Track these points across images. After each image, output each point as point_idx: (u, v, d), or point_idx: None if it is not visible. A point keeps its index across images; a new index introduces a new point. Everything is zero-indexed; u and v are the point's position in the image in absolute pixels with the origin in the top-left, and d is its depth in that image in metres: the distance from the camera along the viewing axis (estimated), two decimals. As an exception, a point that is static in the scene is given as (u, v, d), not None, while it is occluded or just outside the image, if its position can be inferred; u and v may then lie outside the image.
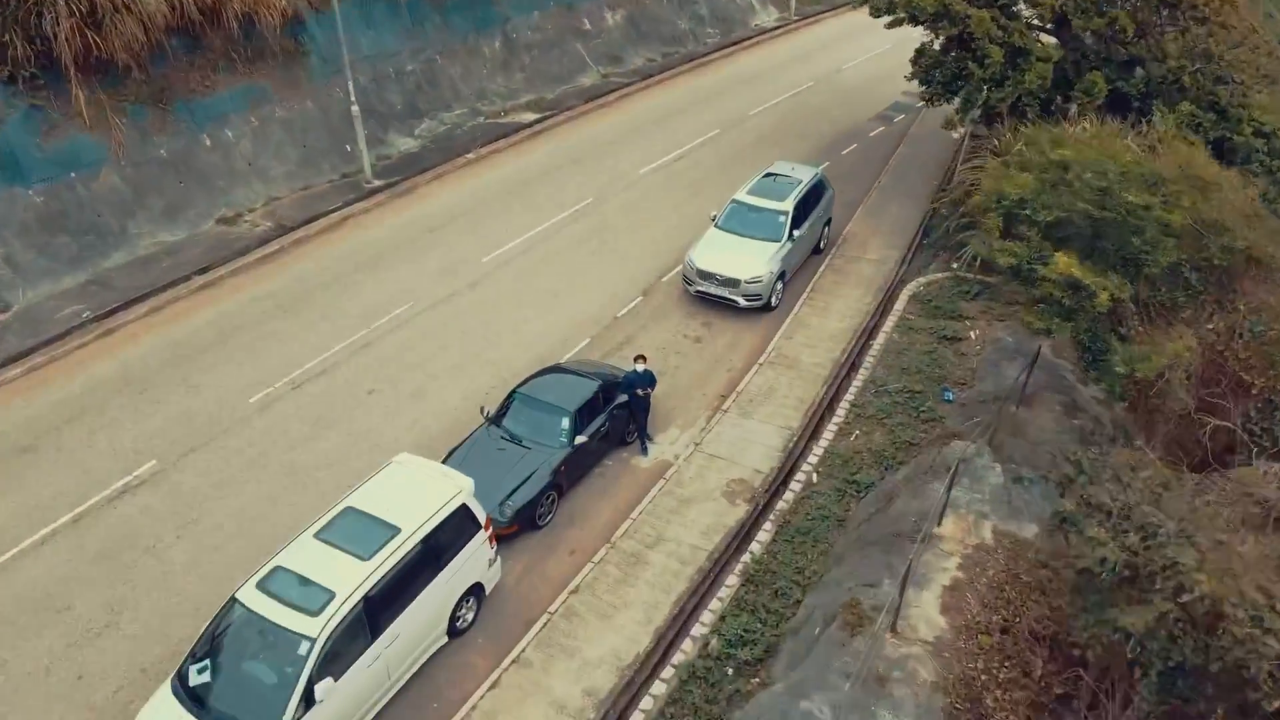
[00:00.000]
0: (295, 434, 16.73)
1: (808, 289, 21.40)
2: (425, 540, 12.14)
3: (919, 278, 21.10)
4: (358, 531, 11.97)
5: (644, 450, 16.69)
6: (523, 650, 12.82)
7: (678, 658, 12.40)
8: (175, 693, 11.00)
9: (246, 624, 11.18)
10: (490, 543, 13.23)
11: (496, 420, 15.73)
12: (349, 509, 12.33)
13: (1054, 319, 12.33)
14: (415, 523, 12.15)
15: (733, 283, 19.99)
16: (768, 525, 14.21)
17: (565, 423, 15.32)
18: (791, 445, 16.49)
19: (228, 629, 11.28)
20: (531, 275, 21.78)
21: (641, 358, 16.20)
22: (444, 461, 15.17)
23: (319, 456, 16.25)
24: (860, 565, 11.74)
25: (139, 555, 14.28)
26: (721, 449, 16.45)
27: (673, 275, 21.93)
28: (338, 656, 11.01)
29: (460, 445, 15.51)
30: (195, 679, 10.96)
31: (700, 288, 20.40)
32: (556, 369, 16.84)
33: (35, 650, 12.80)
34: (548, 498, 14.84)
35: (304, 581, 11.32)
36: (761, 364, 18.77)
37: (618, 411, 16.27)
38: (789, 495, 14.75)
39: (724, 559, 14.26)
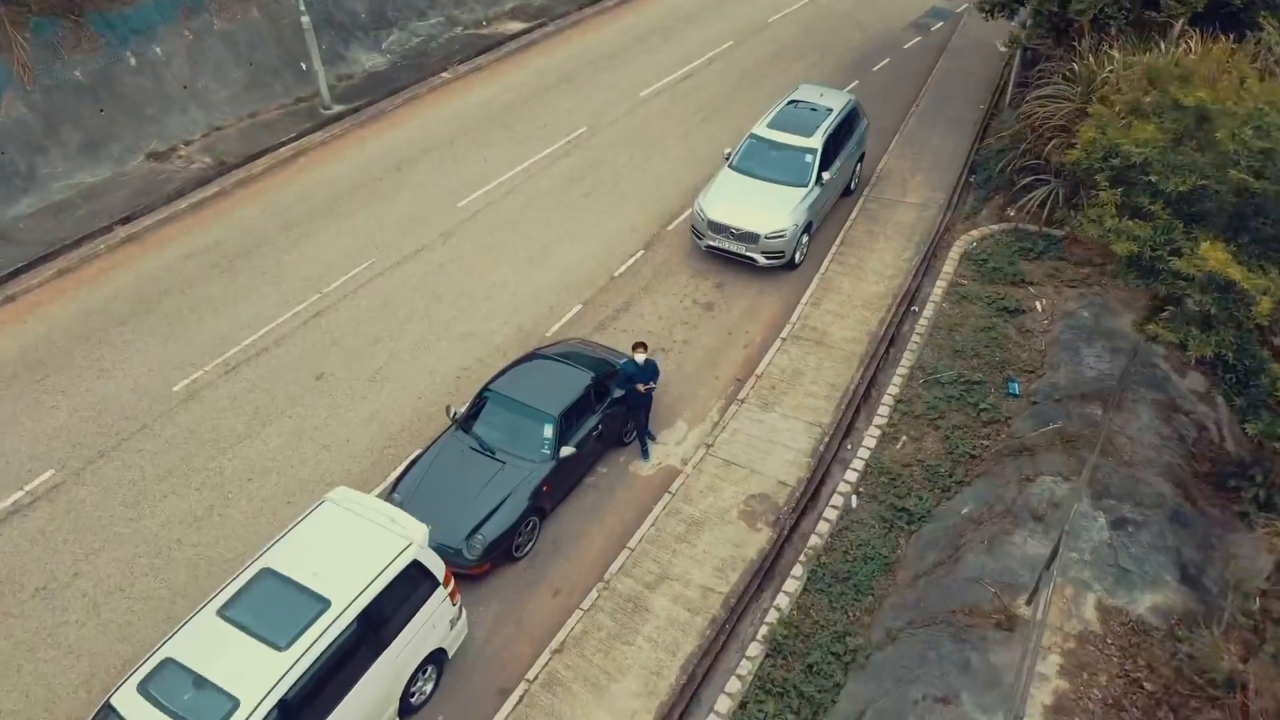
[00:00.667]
0: (227, 432, 13.92)
1: (837, 241, 18.24)
2: (365, 614, 9.44)
3: (971, 230, 17.90)
4: (274, 606, 9.26)
5: (644, 453, 13.90)
6: (493, 736, 10.29)
7: (687, 762, 9.87)
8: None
9: (125, 741, 8.57)
10: (453, 598, 10.56)
11: (465, 424, 12.88)
12: (265, 572, 9.60)
13: (1190, 330, 9.34)
14: (350, 591, 9.44)
15: (750, 237, 16.85)
16: (797, 569, 11.48)
17: (548, 430, 12.48)
18: (822, 448, 13.68)
19: (102, 745, 8.68)
20: (514, 224, 18.60)
21: (641, 345, 13.24)
22: (402, 477, 12.46)
23: (254, 463, 13.47)
24: (925, 656, 9.08)
25: (26, 599, 11.64)
26: (738, 452, 13.65)
27: (680, 223, 18.76)
28: (247, 779, 8.45)
29: (422, 455, 12.72)
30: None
31: (712, 242, 17.26)
32: (539, 355, 13.89)
33: (-113, 734, 10.32)
34: (527, 524, 12.12)
35: (200, 683, 8.67)
36: (784, 339, 15.79)
37: (614, 409, 13.42)
38: (823, 525, 11.98)
39: (743, 606, 11.61)
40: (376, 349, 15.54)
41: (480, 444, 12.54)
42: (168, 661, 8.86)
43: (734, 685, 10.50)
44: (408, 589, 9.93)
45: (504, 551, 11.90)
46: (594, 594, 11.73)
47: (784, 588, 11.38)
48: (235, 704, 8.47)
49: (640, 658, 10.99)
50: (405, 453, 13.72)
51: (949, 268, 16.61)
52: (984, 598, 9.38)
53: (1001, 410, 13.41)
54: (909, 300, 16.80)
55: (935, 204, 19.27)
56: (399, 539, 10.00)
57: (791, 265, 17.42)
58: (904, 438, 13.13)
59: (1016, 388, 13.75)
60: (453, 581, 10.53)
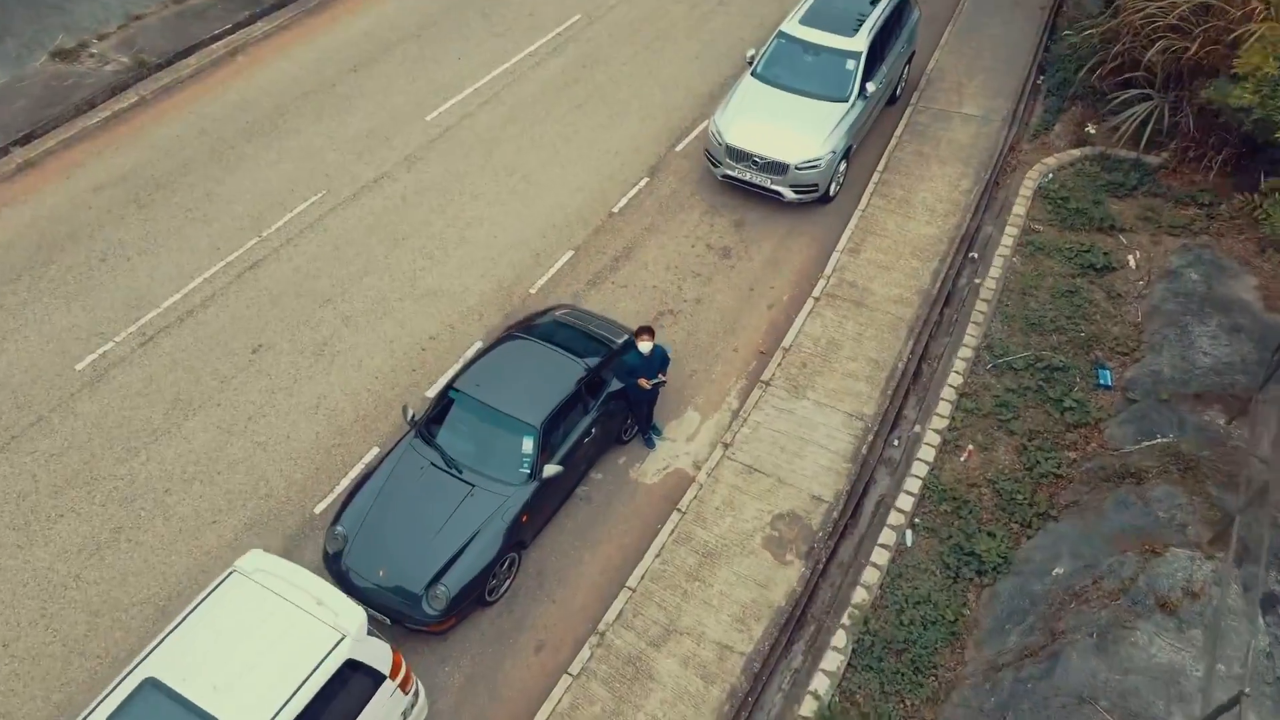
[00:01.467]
0: (141, 425, 11.44)
1: (879, 166, 15.21)
2: (281, 741, 7.21)
3: (1046, 158, 14.77)
4: (158, 739, 7.03)
5: (648, 442, 11.47)
6: None
7: None
8: None
9: None
10: (405, 686, 8.33)
11: (426, 432, 10.36)
12: (148, 685, 7.31)
13: None
14: (262, 713, 7.17)
15: (778, 168, 13.84)
16: (840, 635, 9.15)
17: (528, 445, 9.98)
18: (865, 450, 11.21)
19: None
20: (493, 144, 15.52)
21: (647, 332, 10.58)
22: (348, 501, 10.00)
23: (173, 467, 11.04)
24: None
25: (-114, 660, 9.47)
26: (762, 455, 11.19)
27: (692, 141, 15.69)
28: None
29: (373, 471, 10.23)
30: None
31: (730, 172, 14.26)
32: (519, 335, 11.20)
33: None
34: (503, 563, 9.78)
35: None
36: (817, 298, 13.07)
37: (612, 404, 10.88)
38: (870, 572, 9.57)
39: (769, 671, 9.40)
40: (325, 313, 12.86)
41: (444, 459, 10.05)
42: (13, 828, 6.69)
43: (761, 806, 8.40)
44: (342, 694, 7.67)
45: (474, 599, 9.60)
46: (586, 651, 9.51)
47: (823, 664, 9.10)
48: None
49: (642, 745, 8.86)
50: (357, 451, 11.31)
51: (1020, 208, 13.63)
52: (1097, 728, 7.14)
53: (1091, 409, 10.81)
54: (967, 245, 13.97)
55: (998, 115, 16.07)
56: (329, 631, 7.66)
57: (825, 199, 14.47)
58: (969, 446, 10.60)
59: (1109, 377, 11.13)
60: (404, 668, 8.26)
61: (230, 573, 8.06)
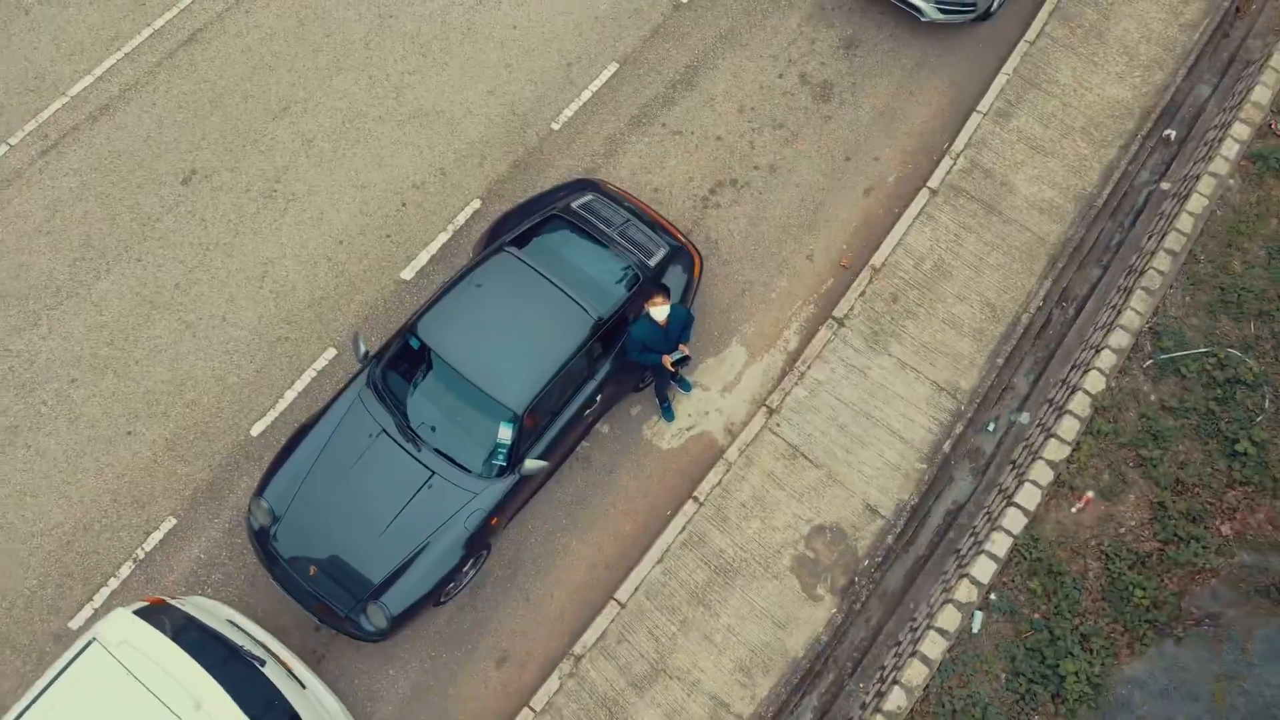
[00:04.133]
0: (38, 281, 9.12)
1: (1072, -38, 10.57)
2: None
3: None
4: None
5: (666, 413, 8.92)
6: None
7: None
8: None
9: None
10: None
11: (381, 381, 7.91)
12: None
13: None
14: None
15: (923, -26, 9.55)
16: (861, 747, 7.32)
17: (505, 433, 7.59)
18: (949, 447, 8.63)
19: None
20: None
21: (662, 292, 7.82)
22: (277, 466, 7.84)
23: (80, 349, 8.88)
24: None
25: None
26: (814, 432, 8.68)
27: (808, -115, 10.94)
28: None
29: (313, 427, 7.95)
30: None
31: (854, -34, 9.94)
32: (513, 249, 8.18)
33: None
34: (466, 566, 7.87)
35: None
36: (935, 190, 9.57)
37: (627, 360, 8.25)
38: (913, 669, 7.41)
39: (769, 745, 7.81)
40: (281, 128, 9.75)
41: (399, 428, 7.76)
42: None
43: None
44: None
45: (428, 607, 7.85)
46: (554, 681, 7.93)
47: (832, 788, 7.41)
48: None
49: (604, 818, 7.59)
50: (309, 352, 9.05)
51: (1262, 90, 9.31)
52: None
53: (1271, 461, 7.89)
54: (1169, 117, 9.98)
55: (1267, -111, 10.85)
56: (204, 751, 6.04)
57: (984, 16, 10.20)
58: (1088, 493, 7.91)
59: (1314, 407, 8.06)
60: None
61: (88, 642, 6.27)
